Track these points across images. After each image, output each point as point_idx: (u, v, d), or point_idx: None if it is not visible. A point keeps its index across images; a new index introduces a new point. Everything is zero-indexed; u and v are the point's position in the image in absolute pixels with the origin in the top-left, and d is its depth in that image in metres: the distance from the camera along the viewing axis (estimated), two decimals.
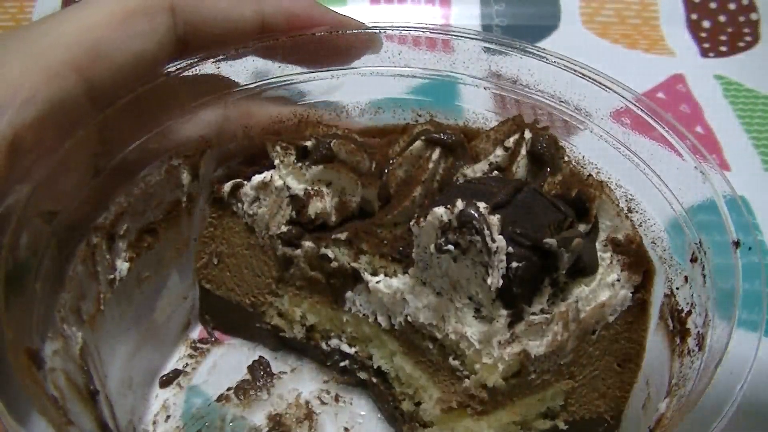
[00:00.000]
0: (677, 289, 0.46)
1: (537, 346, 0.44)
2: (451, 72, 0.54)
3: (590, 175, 0.50)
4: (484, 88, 0.54)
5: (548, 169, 0.49)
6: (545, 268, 0.43)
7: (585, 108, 0.51)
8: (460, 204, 0.41)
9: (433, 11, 0.59)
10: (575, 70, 0.51)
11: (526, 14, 0.56)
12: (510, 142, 0.50)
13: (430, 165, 0.50)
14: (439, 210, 0.42)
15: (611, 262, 0.46)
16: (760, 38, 0.74)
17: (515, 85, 0.53)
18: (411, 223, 0.44)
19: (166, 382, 0.54)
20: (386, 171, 0.51)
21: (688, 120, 0.69)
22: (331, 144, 0.50)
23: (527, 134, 0.49)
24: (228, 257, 0.56)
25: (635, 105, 0.49)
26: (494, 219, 0.41)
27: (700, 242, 0.44)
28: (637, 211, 0.49)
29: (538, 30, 0.55)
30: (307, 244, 0.51)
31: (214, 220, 0.55)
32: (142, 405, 0.53)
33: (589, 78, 0.50)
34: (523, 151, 0.49)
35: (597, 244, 0.46)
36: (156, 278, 0.53)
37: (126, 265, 0.50)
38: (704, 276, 0.43)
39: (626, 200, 0.49)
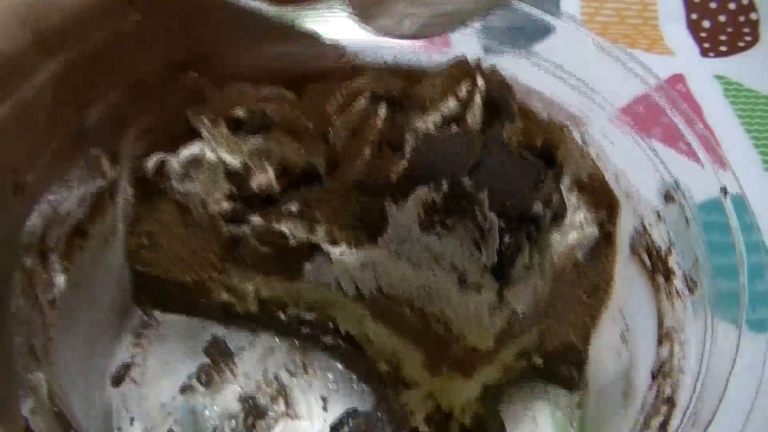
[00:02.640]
0: (650, 225, 0.46)
1: (522, 303, 0.44)
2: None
3: (551, 120, 0.48)
4: None
5: (504, 117, 0.47)
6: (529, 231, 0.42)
7: None
8: (444, 184, 0.39)
9: None
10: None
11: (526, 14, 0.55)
12: (462, 91, 0.47)
13: (379, 123, 0.46)
14: (422, 191, 0.40)
15: (577, 204, 0.46)
16: (760, 38, 0.73)
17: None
18: (386, 203, 0.42)
19: (117, 380, 0.50)
20: (330, 132, 0.47)
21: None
22: (267, 111, 0.46)
23: (480, 82, 0.47)
24: (160, 236, 0.51)
25: None
26: (483, 195, 0.39)
27: (676, 182, 0.44)
28: (591, 145, 0.48)
29: (539, 30, 0.55)
30: (255, 219, 0.47)
31: (140, 200, 0.50)
32: (101, 411, 0.49)
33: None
34: (478, 100, 0.47)
35: (562, 187, 0.45)
36: (91, 278, 0.48)
37: (63, 278, 0.44)
38: (686, 219, 0.44)
39: (580, 135, 0.49)
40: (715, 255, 0.42)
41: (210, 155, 0.47)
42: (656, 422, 0.40)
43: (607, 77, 0.49)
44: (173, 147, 0.48)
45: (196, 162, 0.47)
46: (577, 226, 0.46)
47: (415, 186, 0.40)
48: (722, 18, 0.74)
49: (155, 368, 0.51)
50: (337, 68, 0.51)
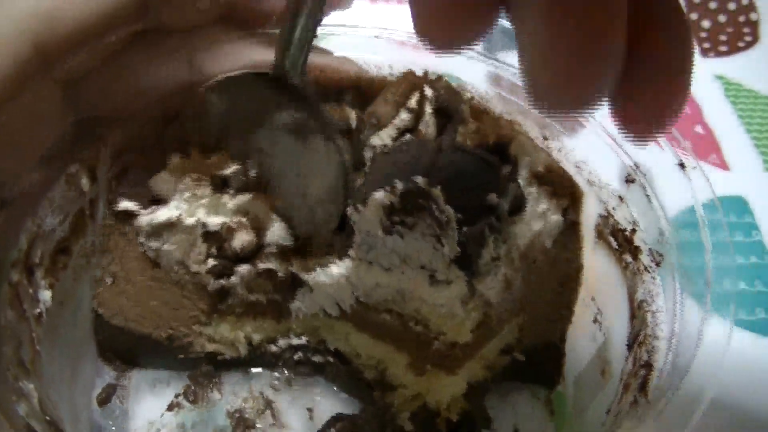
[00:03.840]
0: (614, 209, 0.47)
1: (494, 293, 0.44)
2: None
3: (500, 116, 0.50)
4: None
5: (456, 121, 0.48)
6: (488, 221, 0.43)
7: None
8: (399, 185, 0.40)
9: None
10: None
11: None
12: (413, 102, 0.49)
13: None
14: (379, 195, 0.41)
15: (538, 195, 0.46)
16: (760, 38, 0.74)
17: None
18: (349, 211, 0.43)
19: (104, 400, 0.51)
20: None
21: (688, 120, 0.69)
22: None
23: (428, 92, 0.49)
24: (125, 283, 0.49)
25: None
26: (437, 191, 0.40)
27: (636, 165, 0.45)
28: (555, 139, 0.49)
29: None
30: (243, 268, 0.48)
31: (107, 230, 0.49)
32: (88, 427, 0.49)
33: None
34: (429, 109, 0.49)
35: (520, 180, 0.46)
36: (75, 296, 0.48)
37: (48, 293, 0.45)
38: (648, 197, 0.44)
39: (540, 128, 0.50)
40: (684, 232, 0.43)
41: (188, 219, 0.46)
42: (635, 385, 0.40)
43: None
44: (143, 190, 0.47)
45: (170, 225, 0.47)
46: (540, 215, 0.46)
47: (372, 192, 0.42)
48: (722, 18, 0.75)
49: (143, 389, 0.52)
50: None
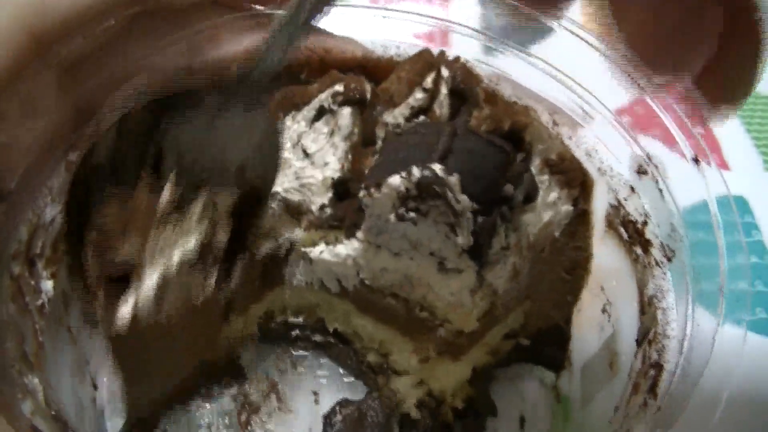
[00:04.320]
0: (625, 200, 0.47)
1: (502, 282, 0.44)
2: None
3: (515, 101, 0.49)
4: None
5: (471, 104, 0.47)
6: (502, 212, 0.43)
7: None
8: (415, 171, 0.40)
9: (431, 10, 0.58)
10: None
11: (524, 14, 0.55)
12: (428, 82, 0.47)
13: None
14: (395, 180, 0.40)
15: (549, 183, 0.46)
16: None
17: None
18: (361, 195, 0.42)
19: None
20: None
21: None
22: None
23: (444, 72, 0.47)
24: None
25: None
26: (453, 179, 0.40)
27: (648, 156, 0.45)
28: (564, 125, 0.48)
29: (538, 31, 0.55)
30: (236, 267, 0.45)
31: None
32: (93, 413, 0.49)
33: None
34: (444, 90, 0.47)
35: (533, 168, 0.46)
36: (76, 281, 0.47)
37: (50, 283, 0.44)
38: (660, 190, 0.44)
39: (549, 113, 0.49)
40: (696, 232, 0.43)
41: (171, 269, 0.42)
42: (645, 386, 0.40)
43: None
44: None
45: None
46: (551, 204, 0.46)
47: (387, 177, 0.41)
48: None
49: None
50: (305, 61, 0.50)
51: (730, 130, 0.67)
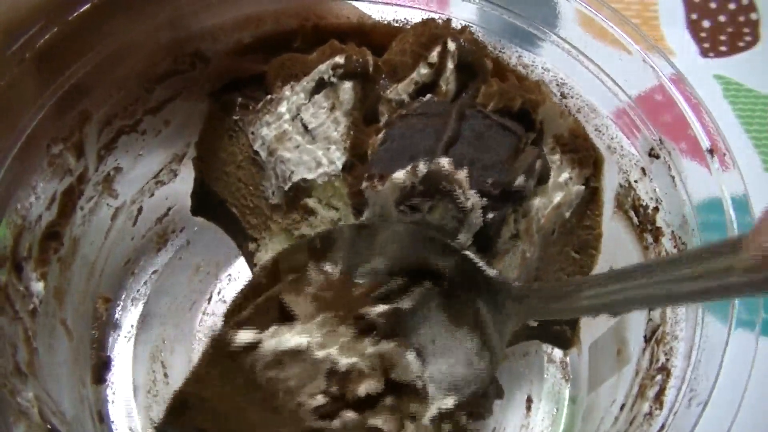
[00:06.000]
0: (635, 182, 0.45)
1: (511, 270, 0.43)
2: None
3: (526, 77, 0.47)
4: None
5: (479, 79, 0.44)
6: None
7: None
8: (422, 166, 0.38)
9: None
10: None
11: (523, 12, 0.53)
12: (434, 56, 0.44)
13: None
14: (399, 175, 0.38)
15: (561, 162, 0.44)
16: (760, 38, 0.73)
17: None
18: (364, 186, 0.40)
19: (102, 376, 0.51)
20: None
21: (687, 119, 0.70)
22: None
23: (451, 45, 0.44)
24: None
25: None
26: (462, 174, 0.38)
27: (660, 139, 0.43)
28: (572, 96, 0.47)
29: (537, 29, 0.53)
30: (348, 415, 0.40)
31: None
32: (94, 407, 0.49)
33: None
34: (450, 65, 0.44)
35: (545, 148, 0.44)
36: (68, 278, 0.47)
37: (41, 284, 0.43)
38: (672, 177, 0.43)
39: (557, 84, 0.47)
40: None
41: (319, 353, 0.39)
42: (651, 392, 0.40)
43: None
44: None
45: (295, 353, 0.39)
46: (561, 185, 0.44)
47: (391, 169, 0.39)
48: (722, 18, 0.74)
49: (140, 359, 0.52)
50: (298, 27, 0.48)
51: (729, 130, 0.66)
